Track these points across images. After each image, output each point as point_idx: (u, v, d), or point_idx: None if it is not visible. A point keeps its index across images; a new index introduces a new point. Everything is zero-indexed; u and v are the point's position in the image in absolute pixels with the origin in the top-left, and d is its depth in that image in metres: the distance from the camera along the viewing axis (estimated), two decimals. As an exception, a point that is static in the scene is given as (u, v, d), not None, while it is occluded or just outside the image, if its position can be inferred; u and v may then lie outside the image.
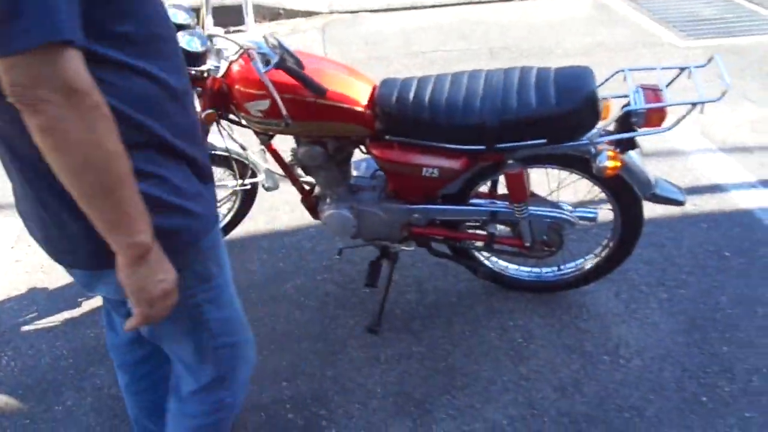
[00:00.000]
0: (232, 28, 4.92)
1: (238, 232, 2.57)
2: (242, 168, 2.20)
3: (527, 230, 1.96)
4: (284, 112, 1.66)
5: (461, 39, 4.60)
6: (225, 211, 2.46)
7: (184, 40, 1.69)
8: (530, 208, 1.94)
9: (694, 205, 2.67)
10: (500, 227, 2.05)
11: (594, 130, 1.72)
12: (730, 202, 2.69)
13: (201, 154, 1.10)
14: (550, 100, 1.67)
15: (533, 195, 2.01)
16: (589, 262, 2.17)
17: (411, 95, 1.77)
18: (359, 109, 1.78)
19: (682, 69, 1.79)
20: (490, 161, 1.83)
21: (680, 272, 2.31)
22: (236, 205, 2.43)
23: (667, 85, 1.75)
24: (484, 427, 1.79)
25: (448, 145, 1.77)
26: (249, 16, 1.86)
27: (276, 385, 1.95)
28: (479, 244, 2.05)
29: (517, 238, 2.00)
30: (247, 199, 2.42)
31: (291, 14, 5.37)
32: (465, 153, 1.79)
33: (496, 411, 1.83)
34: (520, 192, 1.85)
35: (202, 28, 1.82)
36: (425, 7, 5.41)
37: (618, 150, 1.73)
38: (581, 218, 2.00)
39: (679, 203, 1.90)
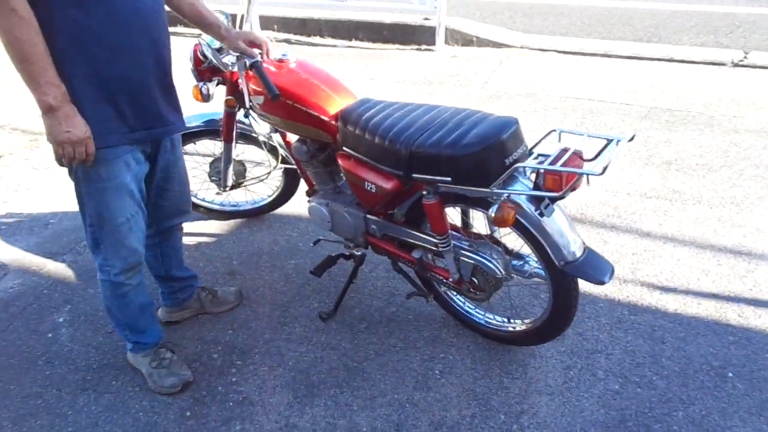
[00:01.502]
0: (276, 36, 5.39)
1: (287, 208, 3.01)
2: (275, 152, 2.61)
3: (452, 264, 2.01)
4: (247, 101, 2.02)
5: (627, 93, 4.38)
6: (270, 191, 2.92)
7: (208, 38, 2.16)
8: (455, 243, 1.98)
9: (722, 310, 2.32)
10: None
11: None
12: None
13: (123, 100, 1.64)
14: (461, 141, 1.73)
15: (475, 234, 2.04)
16: (521, 325, 2.11)
17: (365, 115, 1.99)
18: (325, 118, 2.06)
19: (609, 140, 1.69)
20: (414, 188, 1.95)
21: (655, 373, 2.07)
22: (282, 184, 2.86)
23: (596, 156, 1.68)
24: (346, 427, 1.93)
25: (379, 165, 1.95)
26: (248, 23, 2.26)
27: (224, 329, 2.34)
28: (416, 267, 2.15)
29: (444, 270, 2.06)
30: (290, 180, 2.82)
31: (482, 43, 5.65)
32: (394, 176, 1.94)
33: (366, 419, 1.95)
34: (437, 223, 1.93)
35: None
36: (618, 56, 5.21)
37: (513, 204, 1.72)
38: (517, 271, 1.98)
39: (597, 282, 1.77)
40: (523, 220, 1.76)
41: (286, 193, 2.89)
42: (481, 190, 1.73)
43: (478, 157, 1.69)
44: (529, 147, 1.79)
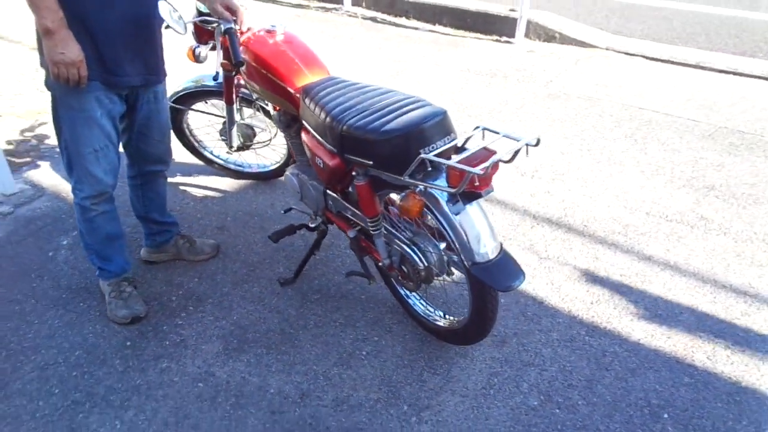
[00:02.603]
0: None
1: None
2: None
3: (382, 249, 2.01)
4: (217, 65, 2.13)
5: (700, 108, 4.03)
6: (278, 157, 3.04)
7: (199, 3, 2.28)
8: (390, 229, 1.98)
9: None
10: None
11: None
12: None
13: (104, 45, 1.83)
14: (383, 127, 1.72)
15: (426, 225, 1.99)
16: (452, 322, 2.07)
17: (322, 91, 2.02)
18: (291, 89, 2.12)
19: (518, 141, 1.60)
20: (352, 167, 1.96)
21: (583, 398, 1.96)
22: (287, 152, 2.97)
23: (511, 158, 1.62)
24: (256, 384, 2.01)
25: (325, 142, 1.98)
26: None
27: (191, 276, 2.50)
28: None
29: (376, 252, 2.07)
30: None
31: (565, 40, 5.41)
32: (335, 154, 1.96)
33: (278, 381, 2.01)
34: (366, 206, 1.93)
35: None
36: (711, 69, 4.79)
37: (420, 194, 1.69)
38: (458, 268, 1.93)
39: (498, 289, 1.70)
40: (436, 214, 1.72)
41: (290, 162, 2.98)
42: (396, 177, 1.72)
43: (394, 143, 1.68)
44: (463, 141, 1.74)
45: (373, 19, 6.15)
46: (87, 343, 2.15)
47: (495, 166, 1.59)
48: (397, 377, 2.03)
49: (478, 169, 1.48)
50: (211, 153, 3.09)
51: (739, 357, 2.10)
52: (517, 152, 1.60)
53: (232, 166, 3.10)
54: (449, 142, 1.69)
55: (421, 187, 1.68)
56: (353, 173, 1.89)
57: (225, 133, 2.82)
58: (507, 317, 2.27)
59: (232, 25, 2.05)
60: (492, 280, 1.67)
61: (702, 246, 2.66)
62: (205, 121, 2.99)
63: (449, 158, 1.59)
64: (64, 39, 1.74)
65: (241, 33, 2.29)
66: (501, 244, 1.76)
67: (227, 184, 3.14)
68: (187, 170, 3.23)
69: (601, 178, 3.19)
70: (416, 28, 5.87)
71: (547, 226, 2.80)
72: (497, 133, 1.68)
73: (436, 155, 1.61)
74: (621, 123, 3.82)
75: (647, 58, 5.07)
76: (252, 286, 2.44)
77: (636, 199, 3.01)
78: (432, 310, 2.15)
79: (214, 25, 2.22)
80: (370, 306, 2.33)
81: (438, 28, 5.91)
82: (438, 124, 1.67)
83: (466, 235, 1.69)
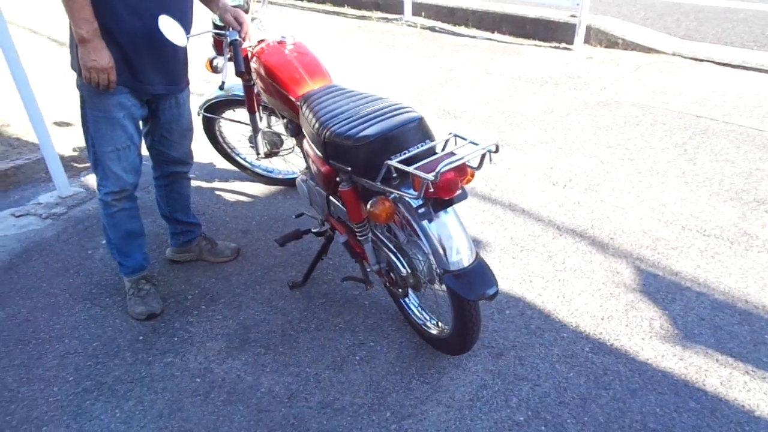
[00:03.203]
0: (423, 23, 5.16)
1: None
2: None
3: (370, 254, 2.03)
4: (224, 75, 2.23)
5: (765, 117, 3.74)
6: (305, 163, 3.12)
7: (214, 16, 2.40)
8: (377, 233, 1.99)
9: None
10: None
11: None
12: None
13: (130, 53, 1.98)
14: (359, 134, 1.74)
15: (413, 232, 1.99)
16: (442, 330, 2.04)
17: (318, 99, 2.07)
18: (292, 98, 2.20)
19: (480, 148, 1.57)
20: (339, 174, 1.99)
21: (574, 417, 1.87)
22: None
23: (479, 164, 1.60)
24: (249, 383, 2.09)
25: (316, 149, 2.03)
26: (257, 21, 2.42)
27: (209, 277, 2.62)
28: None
29: (365, 256, 2.08)
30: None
31: (628, 45, 5.20)
32: (324, 160, 2.00)
33: (270, 381, 2.07)
34: (352, 211, 1.96)
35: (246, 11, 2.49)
36: (788, 72, 4.43)
37: (394, 201, 1.69)
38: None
39: (467, 298, 1.67)
40: (410, 221, 1.72)
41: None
42: (372, 183, 1.73)
43: (366, 150, 1.69)
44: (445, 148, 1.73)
45: (432, 29, 6.17)
46: (105, 336, 2.31)
47: (464, 174, 1.57)
48: (385, 384, 2.03)
49: (430, 175, 1.46)
50: (243, 159, 3.23)
51: (758, 384, 1.93)
52: (483, 158, 1.56)
53: (262, 172, 3.22)
54: (420, 149, 1.68)
55: (394, 193, 1.68)
56: (337, 179, 1.92)
57: (251, 141, 2.94)
58: (508, 329, 2.21)
59: (237, 37, 2.14)
60: (462, 289, 1.65)
61: (739, 264, 2.47)
62: (237, 128, 3.13)
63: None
64: (97, 48, 1.90)
65: (259, 43, 2.39)
66: (477, 253, 1.72)
67: (258, 189, 3.26)
68: (222, 175, 3.39)
69: (638, 190, 3.03)
70: (474, 37, 5.83)
71: (570, 238, 2.70)
72: (464, 139, 1.65)
73: (402, 161, 1.61)
74: (673, 132, 3.61)
75: (716, 63, 4.76)
76: (263, 288, 2.52)
77: (673, 212, 2.83)
78: (427, 317, 2.13)
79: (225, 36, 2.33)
80: (372, 312, 2.34)
81: (496, 36, 5.84)
82: (409, 131, 1.67)
83: (437, 243, 1.67)
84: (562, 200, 2.98)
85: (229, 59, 2.49)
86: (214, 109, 2.96)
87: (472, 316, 1.79)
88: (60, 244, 2.89)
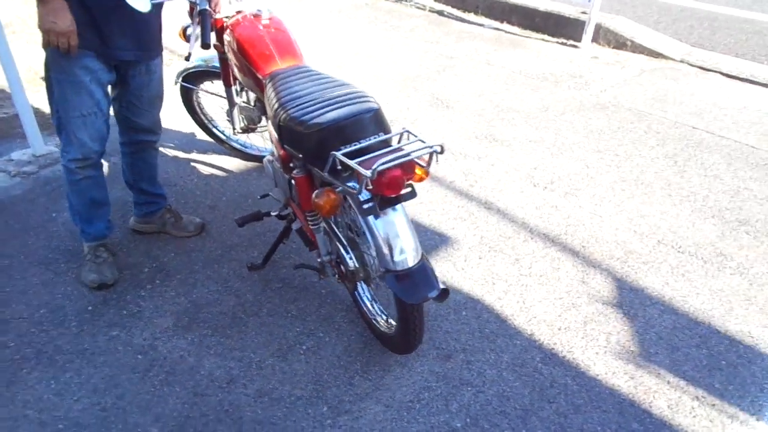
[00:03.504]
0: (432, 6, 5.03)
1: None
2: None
3: (321, 244, 1.97)
4: (190, 46, 2.15)
5: (763, 135, 3.65)
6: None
7: None
8: (330, 224, 1.93)
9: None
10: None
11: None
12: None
13: (99, 19, 1.91)
14: (311, 120, 1.66)
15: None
16: (390, 327, 1.99)
17: (282, 80, 1.99)
18: (259, 75, 2.12)
19: (430, 147, 1.50)
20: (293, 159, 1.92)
21: (512, 428, 1.84)
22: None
23: (427, 165, 1.53)
24: (191, 364, 2.05)
25: (275, 131, 1.96)
26: None
27: (169, 251, 2.56)
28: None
29: (315, 245, 2.02)
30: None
31: (636, 48, 5.07)
32: (280, 144, 1.93)
33: (212, 364, 2.03)
34: (303, 199, 1.89)
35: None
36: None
37: (336, 192, 1.63)
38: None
39: (405, 299, 1.61)
40: (357, 215, 1.66)
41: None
42: (320, 172, 1.67)
43: (315, 138, 1.63)
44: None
45: (440, 13, 6.03)
46: (54, 303, 2.27)
47: (410, 172, 1.50)
48: (327, 377, 1.99)
49: (368, 172, 1.40)
50: (221, 132, 3.16)
51: (706, 411, 1.87)
52: (430, 158, 1.50)
53: (238, 146, 3.16)
54: (371, 141, 1.61)
55: (339, 186, 1.62)
56: (290, 165, 1.85)
57: (228, 115, 2.87)
58: (462, 331, 2.16)
59: (206, 6, 2.06)
60: (400, 290, 1.59)
61: (709, 285, 2.40)
62: (216, 101, 3.06)
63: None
64: (56, 9, 1.82)
65: (234, 15, 2.31)
66: (422, 254, 1.66)
67: (233, 164, 3.20)
68: (200, 147, 3.33)
69: (620, 199, 2.95)
70: (481, 25, 5.69)
71: (541, 242, 2.63)
72: (416, 136, 1.58)
73: (351, 153, 1.54)
74: (665, 141, 3.52)
75: (724, 74, 4.63)
76: (222, 267, 2.47)
77: (651, 225, 2.76)
78: (377, 311, 2.08)
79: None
80: (327, 301, 2.29)
81: (504, 26, 5.70)
82: (363, 121, 1.61)
83: (381, 241, 1.62)
84: (540, 203, 2.91)
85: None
86: (193, 78, 2.88)
87: (414, 317, 1.74)
88: (24, 203, 2.85)
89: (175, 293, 2.33)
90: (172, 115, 3.45)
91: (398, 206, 1.63)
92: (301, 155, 1.71)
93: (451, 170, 3.17)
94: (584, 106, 3.97)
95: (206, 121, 3.14)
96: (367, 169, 1.42)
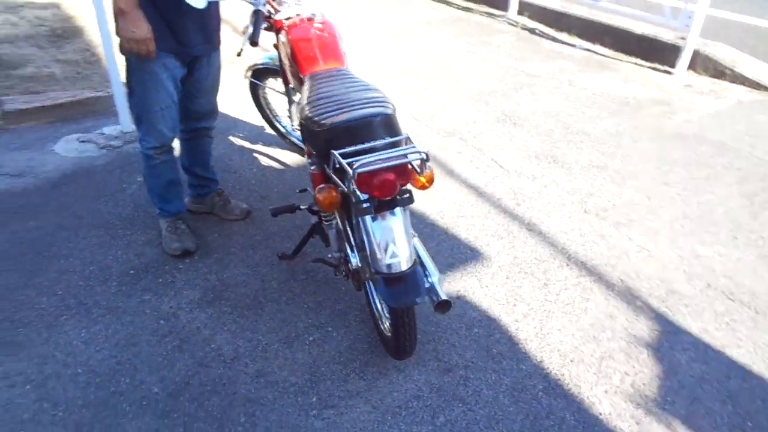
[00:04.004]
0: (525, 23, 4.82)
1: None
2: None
3: (333, 240, 2.03)
4: (242, 42, 2.29)
5: None
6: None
7: None
8: (342, 223, 1.99)
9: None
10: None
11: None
12: None
13: (171, 20, 2.11)
14: (328, 120, 1.72)
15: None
16: (385, 326, 2.01)
17: (318, 81, 2.04)
18: (301, 75, 2.22)
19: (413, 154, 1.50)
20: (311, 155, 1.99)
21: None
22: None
23: (421, 169, 1.55)
24: (206, 336, 2.18)
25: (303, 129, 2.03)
26: None
27: (214, 232, 2.72)
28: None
29: (327, 241, 2.07)
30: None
31: (737, 78, 4.75)
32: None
33: (222, 339, 2.15)
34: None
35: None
36: None
37: (338, 190, 1.68)
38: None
39: (387, 302, 1.62)
40: (356, 216, 1.70)
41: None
42: (327, 169, 1.73)
43: (324, 136, 1.69)
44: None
45: (532, 31, 5.94)
46: (103, 263, 2.50)
47: (404, 177, 1.53)
48: (325, 370, 2.04)
49: (351, 170, 1.43)
50: (284, 127, 3.31)
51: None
52: (422, 165, 1.51)
53: (297, 142, 3.29)
54: (373, 144, 1.64)
55: (340, 185, 1.67)
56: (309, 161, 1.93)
57: (289, 111, 3.00)
58: (469, 348, 2.13)
59: (260, 8, 2.19)
60: (386, 292, 1.61)
61: (755, 337, 2.21)
62: (281, 96, 3.21)
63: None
64: (134, 19, 2.02)
65: (292, 17, 2.42)
66: (415, 261, 1.67)
67: (292, 159, 3.34)
68: (266, 140, 3.51)
69: (677, 235, 2.78)
70: (572, 45, 5.54)
71: (576, 270, 2.54)
72: (412, 143, 1.60)
73: (351, 153, 1.59)
74: (745, 180, 3.26)
75: (837, 114, 4.20)
76: (256, 252, 2.60)
77: (704, 267, 2.58)
78: (384, 311, 2.09)
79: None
80: (344, 299, 2.35)
81: (597, 47, 5.52)
82: (372, 124, 1.65)
83: (375, 243, 1.65)
84: (587, 230, 2.80)
85: (266, 29, 2.56)
86: (260, 75, 3.05)
87: (404, 323, 1.75)
88: (103, 173, 3.14)
89: (208, 270, 2.48)
90: (245, 109, 3.65)
91: (397, 211, 1.65)
92: (315, 152, 1.77)
93: (500, 187, 3.12)
94: (663, 134, 3.76)
95: (271, 116, 3.30)
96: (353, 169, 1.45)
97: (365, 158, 1.48)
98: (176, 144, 2.50)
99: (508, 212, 2.92)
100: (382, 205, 1.61)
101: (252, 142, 3.51)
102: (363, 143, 1.63)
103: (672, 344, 2.17)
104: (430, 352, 2.11)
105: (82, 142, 3.49)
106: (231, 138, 3.57)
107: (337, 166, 1.61)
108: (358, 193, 1.56)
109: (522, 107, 4.10)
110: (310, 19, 2.36)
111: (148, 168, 2.44)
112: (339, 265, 2.09)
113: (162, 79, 2.20)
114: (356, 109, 1.70)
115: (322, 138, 1.68)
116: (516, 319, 2.27)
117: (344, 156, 1.55)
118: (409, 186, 1.61)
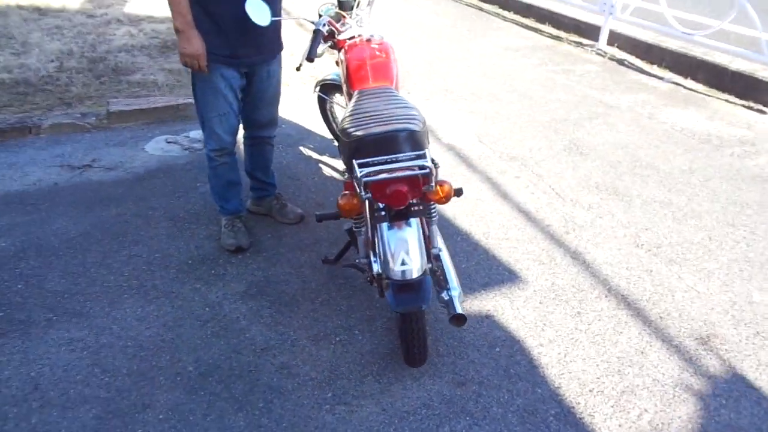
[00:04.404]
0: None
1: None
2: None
3: (361, 247, 2.14)
4: (303, 57, 2.48)
5: None
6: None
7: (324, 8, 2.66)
8: (371, 230, 2.10)
9: None
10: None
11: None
12: None
13: (227, 31, 2.34)
14: (353, 131, 1.85)
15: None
16: None
17: (362, 97, 2.19)
18: (351, 90, 2.39)
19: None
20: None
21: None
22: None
23: (428, 185, 1.65)
24: (241, 326, 2.37)
25: None
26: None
27: (267, 233, 2.94)
28: None
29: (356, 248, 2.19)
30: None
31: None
32: None
33: (256, 332, 2.31)
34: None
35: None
36: None
37: (358, 196, 1.80)
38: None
39: (390, 306, 1.71)
40: (372, 223, 1.81)
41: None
42: (350, 177, 1.86)
43: (352, 147, 1.82)
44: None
45: (620, 62, 5.82)
46: (167, 251, 2.76)
47: (416, 190, 1.62)
48: (344, 369, 2.15)
49: (359, 177, 1.55)
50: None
51: None
52: (428, 178, 1.60)
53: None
54: (401, 156, 1.74)
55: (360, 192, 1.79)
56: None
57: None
58: (487, 365, 2.17)
59: (320, 28, 2.38)
60: (390, 297, 1.71)
61: (797, 393, 2.09)
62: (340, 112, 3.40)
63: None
64: (189, 37, 2.28)
65: (353, 38, 2.61)
66: (425, 271, 1.76)
67: (351, 171, 3.51)
68: (334, 151, 3.71)
69: (732, 278, 2.66)
70: (660, 78, 5.38)
71: (614, 302, 2.50)
72: (425, 158, 1.68)
73: (370, 163, 1.71)
74: (823, 230, 3.05)
75: None
76: (303, 254, 2.78)
77: (757, 314, 2.46)
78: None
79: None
80: (376, 306, 2.46)
81: (687, 82, 5.32)
82: (395, 139, 1.75)
83: (387, 250, 1.75)
84: (635, 264, 2.74)
85: (331, 47, 2.76)
86: (327, 89, 3.25)
87: (411, 329, 1.83)
88: (182, 172, 3.46)
89: (257, 267, 2.68)
90: (318, 121, 3.88)
91: (412, 222, 1.74)
92: (344, 162, 1.91)
93: (552, 214, 3.12)
94: (739, 175, 3.59)
95: (336, 129, 3.49)
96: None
97: (372, 168, 1.59)
98: (240, 148, 2.71)
99: (555, 239, 2.91)
100: (399, 215, 1.71)
101: (320, 153, 3.72)
102: (383, 156, 1.74)
103: (703, 387, 2.10)
104: (448, 365, 2.16)
105: (169, 143, 3.84)
106: (301, 148, 3.80)
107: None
108: (375, 201, 1.67)
109: (592, 137, 4.05)
110: (368, 40, 2.51)
111: (210, 168, 2.69)
112: (366, 270, 2.21)
113: (220, 88, 2.43)
114: (384, 124, 1.82)
115: (351, 148, 1.81)
116: (541, 343, 2.27)
117: (362, 166, 1.67)
118: (432, 199, 1.69)
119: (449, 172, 3.52)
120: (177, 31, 2.27)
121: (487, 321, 2.37)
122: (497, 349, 2.24)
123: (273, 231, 2.94)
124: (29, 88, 4.51)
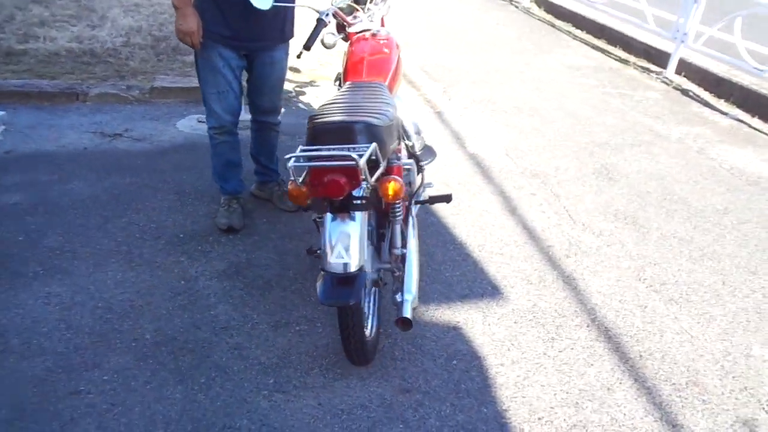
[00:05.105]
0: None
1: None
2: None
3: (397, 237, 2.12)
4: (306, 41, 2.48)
5: None
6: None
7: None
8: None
9: None
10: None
11: None
12: None
13: (229, 17, 2.40)
14: (315, 119, 1.83)
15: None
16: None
17: (349, 89, 2.18)
18: (346, 82, 2.39)
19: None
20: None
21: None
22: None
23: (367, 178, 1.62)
24: (222, 313, 2.42)
25: None
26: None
27: (264, 218, 2.99)
28: None
29: None
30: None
31: None
32: None
33: (222, 313, 2.39)
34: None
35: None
36: None
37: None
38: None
39: (320, 300, 1.69)
40: (313, 211, 1.80)
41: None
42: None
43: (310, 134, 1.79)
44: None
45: (685, 92, 5.51)
46: (163, 223, 2.86)
47: (353, 181, 1.60)
48: (294, 359, 2.15)
49: (288, 164, 1.53)
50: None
51: None
52: (370, 171, 1.57)
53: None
54: (320, 147, 1.71)
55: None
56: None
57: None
58: (438, 376, 2.11)
59: (323, 17, 2.39)
60: (319, 288, 1.68)
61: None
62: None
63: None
64: (185, 14, 2.35)
65: (361, 31, 2.60)
66: (362, 267, 1.72)
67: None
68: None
69: (735, 328, 2.46)
70: (724, 113, 5.06)
71: (593, 333, 2.37)
72: (367, 148, 1.64)
73: (312, 150, 1.69)
74: None
75: None
76: (290, 243, 2.79)
77: (752, 369, 2.26)
78: (370, 314, 2.14)
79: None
80: (346, 302, 2.43)
81: (753, 120, 4.97)
82: (348, 130, 1.73)
83: (326, 240, 1.73)
84: (629, 298, 2.59)
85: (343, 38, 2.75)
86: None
87: (347, 325, 1.80)
88: (202, 149, 3.56)
89: (243, 248, 2.72)
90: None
91: (357, 216, 1.71)
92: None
93: (557, 235, 2.99)
94: (779, 221, 3.31)
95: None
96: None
97: (299, 155, 1.57)
98: (244, 131, 2.75)
99: (551, 261, 2.79)
100: (341, 208, 1.68)
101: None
102: (341, 144, 1.72)
103: (664, 436, 1.94)
104: (399, 370, 2.11)
105: (200, 122, 3.96)
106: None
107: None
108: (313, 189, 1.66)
109: (628, 164, 3.86)
110: (374, 35, 2.50)
111: (211, 147, 2.75)
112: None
113: (219, 66, 2.49)
114: (345, 115, 1.80)
115: (309, 136, 1.80)
116: (502, 363, 2.18)
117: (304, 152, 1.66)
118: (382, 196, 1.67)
119: (461, 181, 3.44)
120: (174, 7, 2.35)
121: (453, 332, 2.30)
122: (454, 362, 2.16)
123: (269, 217, 2.97)
124: (93, 58, 4.78)
